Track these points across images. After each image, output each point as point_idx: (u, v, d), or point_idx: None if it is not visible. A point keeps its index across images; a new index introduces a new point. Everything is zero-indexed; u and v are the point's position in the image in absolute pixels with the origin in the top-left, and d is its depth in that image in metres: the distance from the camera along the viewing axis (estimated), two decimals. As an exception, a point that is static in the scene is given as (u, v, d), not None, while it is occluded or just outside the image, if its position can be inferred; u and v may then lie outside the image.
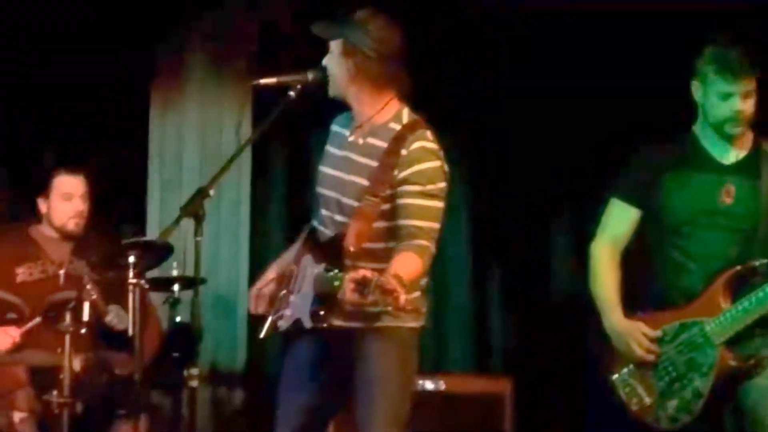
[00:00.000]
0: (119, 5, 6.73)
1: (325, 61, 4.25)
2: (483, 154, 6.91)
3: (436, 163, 4.16)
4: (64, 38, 6.75)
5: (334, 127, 4.39)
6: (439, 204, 4.15)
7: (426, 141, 4.17)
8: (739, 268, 4.34)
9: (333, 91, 4.26)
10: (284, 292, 4.32)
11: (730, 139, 4.44)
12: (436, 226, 4.12)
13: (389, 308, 3.90)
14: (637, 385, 4.45)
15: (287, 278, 4.34)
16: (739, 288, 4.34)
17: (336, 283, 3.93)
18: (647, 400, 4.43)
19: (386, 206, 4.14)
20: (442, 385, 6.07)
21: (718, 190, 4.40)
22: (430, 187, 4.12)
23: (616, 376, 4.49)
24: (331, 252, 4.13)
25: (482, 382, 6.17)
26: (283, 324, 4.27)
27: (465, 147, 6.65)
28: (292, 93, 4.23)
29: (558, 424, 6.71)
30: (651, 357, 4.42)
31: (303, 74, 4.25)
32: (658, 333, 4.43)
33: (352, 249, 4.05)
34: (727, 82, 4.37)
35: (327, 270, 4.03)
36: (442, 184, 4.17)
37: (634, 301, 4.61)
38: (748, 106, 4.40)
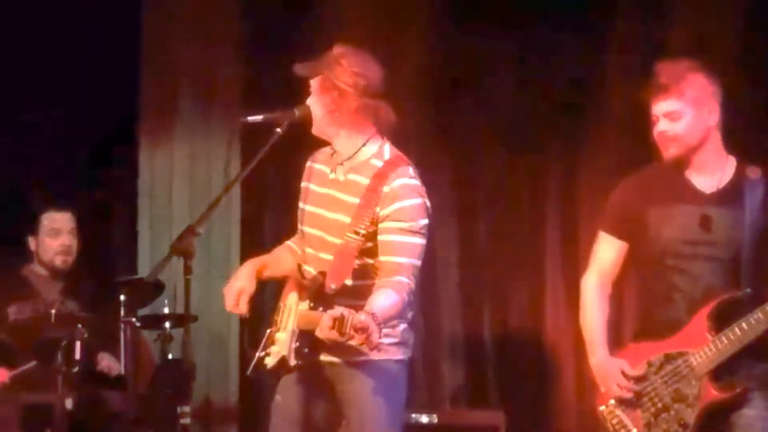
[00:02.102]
0: (108, 43, 6.75)
1: (308, 101, 4.27)
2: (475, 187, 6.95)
3: (418, 201, 4.17)
4: (50, 76, 6.77)
5: (313, 165, 4.40)
6: (421, 241, 4.16)
7: (408, 178, 4.19)
8: (724, 297, 4.33)
9: (315, 130, 4.28)
10: (271, 329, 4.32)
11: (701, 166, 4.40)
12: (417, 263, 4.13)
13: (363, 346, 3.89)
14: (624, 416, 4.45)
15: (274, 315, 4.34)
16: (724, 318, 4.32)
17: (315, 323, 3.97)
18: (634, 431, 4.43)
19: (369, 244, 4.16)
20: (435, 419, 6.07)
21: (699, 221, 4.37)
22: (411, 224, 4.14)
23: (603, 407, 4.49)
24: (315, 290, 4.15)
25: (476, 415, 6.16)
26: (270, 361, 4.27)
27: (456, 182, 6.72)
28: (279, 130, 4.24)
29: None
30: (628, 395, 4.40)
31: (290, 111, 4.27)
32: (639, 372, 4.41)
33: (333, 286, 4.07)
34: (652, 105, 4.39)
35: (311, 308, 4.07)
36: (424, 221, 4.18)
37: (623, 332, 4.61)
38: (668, 128, 4.35)
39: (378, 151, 4.26)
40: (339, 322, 3.81)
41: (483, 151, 6.87)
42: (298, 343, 4.15)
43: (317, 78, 4.23)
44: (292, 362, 4.17)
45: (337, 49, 4.23)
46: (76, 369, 5.41)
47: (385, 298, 4.03)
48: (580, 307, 4.61)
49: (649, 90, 4.41)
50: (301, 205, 4.38)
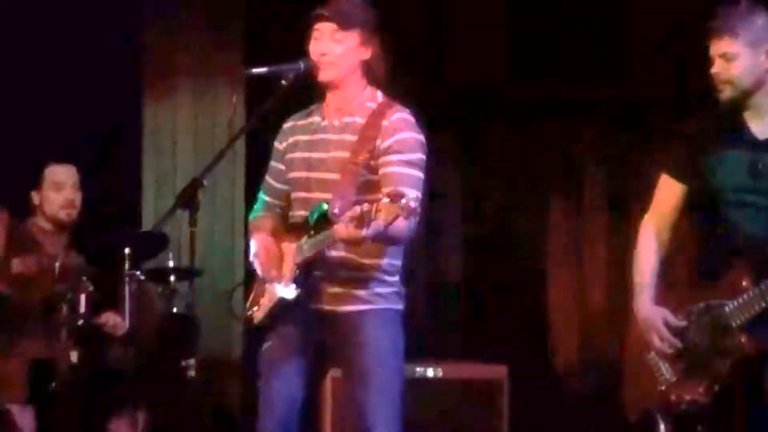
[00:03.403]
0: (110, 2, 6.74)
1: (323, 48, 4.24)
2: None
3: (416, 135, 4.20)
4: (54, 30, 6.75)
5: (296, 122, 4.40)
6: (420, 174, 4.17)
7: (406, 113, 4.23)
8: (765, 248, 4.26)
9: (328, 75, 4.26)
10: (258, 288, 4.32)
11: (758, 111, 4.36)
12: (419, 194, 4.10)
13: (399, 215, 3.79)
14: (662, 363, 4.42)
15: (262, 277, 4.33)
16: (764, 269, 4.24)
17: (327, 234, 3.99)
18: (671, 379, 4.40)
19: (370, 176, 4.16)
20: (440, 372, 6.09)
21: (748, 167, 4.33)
22: (410, 155, 4.15)
23: (651, 355, 4.47)
24: (317, 219, 4.12)
25: (479, 368, 6.18)
26: (259, 315, 4.27)
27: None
28: (284, 82, 4.22)
29: (553, 411, 6.74)
30: (669, 351, 4.38)
31: (295, 63, 4.25)
32: (682, 323, 4.39)
33: (337, 211, 4.03)
34: (710, 45, 4.35)
35: (311, 234, 4.08)
36: (423, 155, 4.19)
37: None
38: (722, 69, 4.33)
39: (371, 95, 4.29)
40: (362, 215, 3.81)
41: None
42: (297, 273, 4.14)
43: (334, 20, 4.22)
44: (291, 295, 4.14)
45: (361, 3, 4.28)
46: (80, 323, 5.42)
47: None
48: (635, 249, 4.55)
49: (707, 30, 4.36)
50: (288, 156, 4.35)
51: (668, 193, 4.52)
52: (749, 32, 4.30)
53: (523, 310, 7.13)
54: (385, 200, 3.80)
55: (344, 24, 4.23)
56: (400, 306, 4.29)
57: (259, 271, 4.31)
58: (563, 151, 7.20)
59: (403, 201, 3.77)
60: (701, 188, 4.43)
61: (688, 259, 4.59)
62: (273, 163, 4.46)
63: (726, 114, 4.40)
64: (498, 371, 6.16)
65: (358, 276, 4.20)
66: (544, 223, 7.33)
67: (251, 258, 4.34)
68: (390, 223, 3.81)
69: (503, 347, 6.74)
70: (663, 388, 4.40)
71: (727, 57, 4.32)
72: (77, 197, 5.86)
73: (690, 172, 4.45)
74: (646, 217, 4.57)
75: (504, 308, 7.13)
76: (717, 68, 4.35)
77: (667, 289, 4.50)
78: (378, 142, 4.16)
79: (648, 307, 4.44)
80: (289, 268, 4.19)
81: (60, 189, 5.83)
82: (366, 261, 4.19)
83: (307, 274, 4.17)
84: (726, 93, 4.35)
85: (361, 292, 4.19)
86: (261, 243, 4.31)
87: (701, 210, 4.47)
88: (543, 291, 7.41)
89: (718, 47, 4.34)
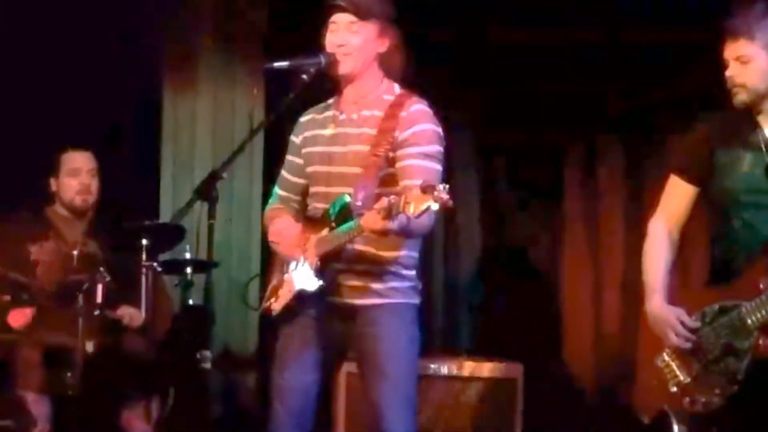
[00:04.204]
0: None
1: (340, 39, 4.24)
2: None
3: (434, 127, 4.20)
4: (77, 22, 6.76)
5: (313, 116, 4.41)
6: (438, 167, 4.16)
7: (424, 105, 4.24)
8: None
9: (346, 68, 4.26)
10: (276, 280, 4.34)
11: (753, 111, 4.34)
12: None
13: (429, 207, 3.76)
14: (675, 365, 4.40)
15: (279, 268, 4.34)
16: None
17: (353, 225, 3.99)
18: (685, 380, 4.37)
19: (389, 170, 4.15)
20: (454, 370, 6.08)
21: (764, 169, 4.30)
22: (428, 147, 4.15)
23: (659, 358, 4.45)
24: (339, 211, 4.13)
25: (494, 366, 6.18)
26: (277, 307, 4.29)
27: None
28: (305, 76, 4.23)
29: (567, 409, 6.74)
30: (687, 345, 4.34)
31: (315, 57, 4.25)
32: (696, 323, 4.35)
33: (360, 204, 4.04)
34: (725, 48, 4.33)
35: (333, 227, 4.08)
36: (440, 148, 4.20)
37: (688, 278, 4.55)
38: (737, 72, 4.30)
39: (388, 87, 4.30)
40: (387, 210, 3.81)
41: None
42: (318, 265, 4.14)
43: (351, 10, 4.22)
44: (312, 287, 4.15)
45: None
46: (97, 312, 5.44)
47: None
48: (644, 250, 4.53)
49: (722, 32, 4.34)
50: (305, 150, 4.36)
51: (678, 194, 4.50)
52: (766, 34, 4.28)
53: (538, 308, 7.13)
54: (416, 192, 3.79)
55: (361, 14, 4.23)
56: (416, 300, 4.30)
57: (281, 253, 4.30)
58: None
59: (436, 193, 3.76)
60: (712, 189, 4.41)
61: (701, 261, 4.56)
62: (289, 157, 4.46)
63: (740, 116, 4.38)
64: (513, 369, 6.15)
65: (375, 269, 4.20)
66: (561, 223, 7.34)
67: (270, 241, 4.35)
68: (419, 216, 3.80)
69: (518, 345, 6.74)
70: (676, 389, 4.39)
71: (742, 60, 4.30)
72: (93, 183, 5.87)
73: (701, 173, 4.43)
74: (655, 217, 4.55)
75: (520, 306, 7.13)
76: (732, 71, 4.32)
77: (680, 290, 4.49)
78: (396, 133, 4.16)
79: (662, 307, 4.42)
80: (311, 259, 4.19)
81: (76, 175, 5.84)
82: (384, 254, 4.20)
83: (326, 267, 4.17)
84: (741, 96, 4.33)
85: (378, 286, 4.20)
86: (283, 223, 4.31)
87: (714, 211, 4.44)
88: (559, 289, 7.41)
89: (734, 49, 4.31)
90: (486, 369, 6.14)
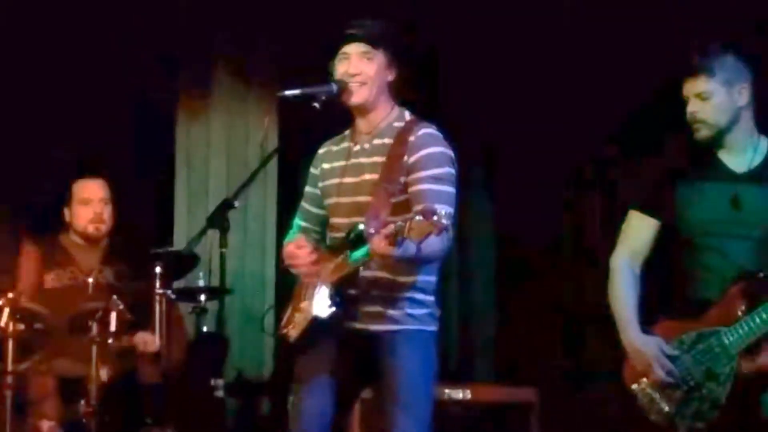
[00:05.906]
0: (146, 21, 6.78)
1: (354, 69, 4.26)
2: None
3: (444, 149, 4.21)
4: (92, 50, 6.79)
5: (329, 147, 4.43)
6: (451, 189, 4.17)
7: (432, 129, 4.24)
8: (756, 276, 4.27)
9: (361, 97, 4.28)
10: (292, 306, 4.34)
11: (724, 145, 4.37)
12: (451, 210, 4.09)
13: (431, 233, 3.78)
14: (655, 394, 4.41)
15: (298, 294, 4.35)
16: (755, 297, 4.26)
17: (365, 251, 3.98)
18: (666, 409, 4.39)
19: (400, 197, 4.16)
20: (469, 395, 6.08)
21: (730, 199, 4.34)
22: (438, 170, 4.16)
23: (635, 386, 4.46)
24: (353, 239, 4.11)
25: (509, 391, 6.17)
26: (294, 334, 4.28)
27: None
28: (317, 104, 4.24)
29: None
30: (670, 379, 4.34)
31: (328, 85, 4.27)
32: (675, 352, 4.36)
33: (372, 231, 4.01)
34: (684, 85, 4.37)
35: (348, 254, 4.08)
36: (451, 170, 4.20)
37: (653, 311, 4.57)
38: (698, 108, 4.34)
39: (399, 115, 4.32)
40: (395, 234, 3.81)
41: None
42: (332, 291, 4.14)
43: (365, 40, 4.25)
44: (325, 313, 4.15)
45: (386, 24, 4.30)
46: (110, 341, 5.44)
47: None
48: (609, 286, 4.54)
49: (681, 70, 4.38)
50: (321, 184, 4.38)
51: (639, 228, 4.51)
52: (724, 71, 4.32)
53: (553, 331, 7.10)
54: (418, 218, 3.79)
55: (374, 43, 4.26)
56: (433, 327, 4.29)
57: (297, 273, 4.31)
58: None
59: (435, 218, 3.76)
60: (677, 222, 4.42)
61: (673, 291, 4.56)
62: (308, 189, 4.47)
63: (700, 150, 4.41)
64: (528, 394, 6.14)
65: (391, 295, 4.20)
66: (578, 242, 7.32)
67: (287, 264, 4.35)
68: (422, 241, 3.80)
69: (534, 370, 6.73)
70: (658, 418, 4.39)
71: (702, 96, 4.34)
72: (106, 211, 5.89)
73: (661, 206, 4.45)
74: (617, 252, 4.55)
75: (535, 330, 7.11)
76: (692, 107, 4.36)
77: (655, 321, 4.49)
78: (406, 158, 4.18)
79: (641, 338, 4.42)
80: (326, 286, 4.19)
81: (87, 203, 5.86)
82: (400, 279, 4.20)
83: (342, 293, 4.18)
84: (703, 132, 4.37)
85: (395, 312, 4.19)
86: (294, 245, 4.29)
87: (679, 243, 4.45)
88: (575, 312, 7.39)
89: (694, 86, 4.35)
90: (500, 393, 6.14)
